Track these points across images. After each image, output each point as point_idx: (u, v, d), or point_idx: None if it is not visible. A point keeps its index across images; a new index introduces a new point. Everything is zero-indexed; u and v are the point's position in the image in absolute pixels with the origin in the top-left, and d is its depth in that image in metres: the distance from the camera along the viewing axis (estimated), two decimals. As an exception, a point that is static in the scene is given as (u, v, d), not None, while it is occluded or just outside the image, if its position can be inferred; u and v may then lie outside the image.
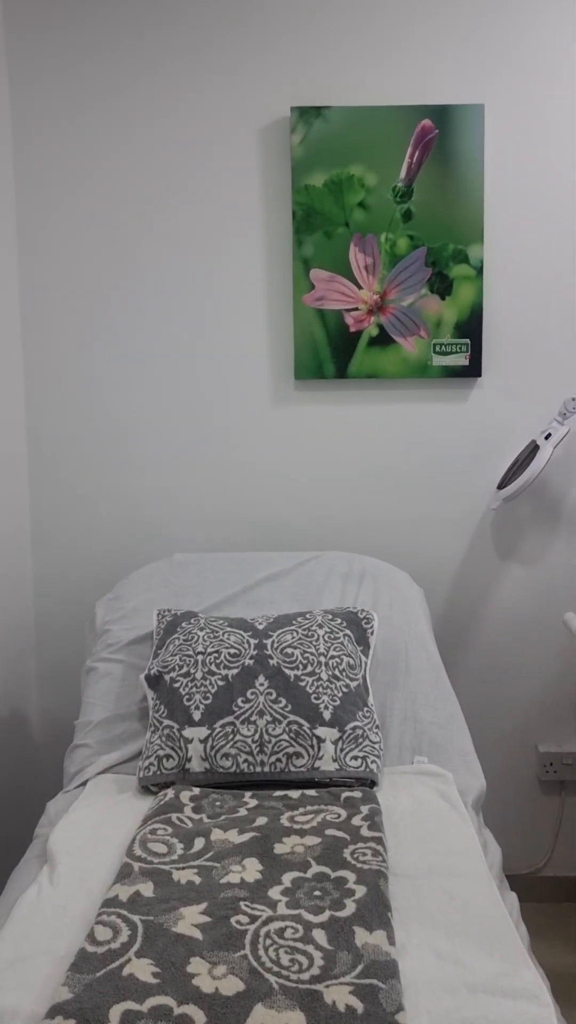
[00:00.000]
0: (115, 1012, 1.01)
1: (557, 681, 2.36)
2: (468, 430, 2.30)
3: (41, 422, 2.30)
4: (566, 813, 2.39)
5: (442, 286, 2.22)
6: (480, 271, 2.21)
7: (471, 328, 2.24)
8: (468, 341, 2.24)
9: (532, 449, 2.21)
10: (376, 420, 2.30)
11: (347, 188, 2.19)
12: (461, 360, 2.26)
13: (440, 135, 2.16)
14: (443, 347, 2.25)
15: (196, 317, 2.26)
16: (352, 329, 2.24)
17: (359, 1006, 1.02)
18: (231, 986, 1.06)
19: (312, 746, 1.64)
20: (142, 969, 1.09)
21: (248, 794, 1.59)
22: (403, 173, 2.18)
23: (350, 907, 1.22)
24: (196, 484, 2.31)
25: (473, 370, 2.25)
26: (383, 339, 2.24)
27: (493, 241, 2.22)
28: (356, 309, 2.23)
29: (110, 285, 2.25)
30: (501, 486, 2.25)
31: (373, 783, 1.65)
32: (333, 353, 2.25)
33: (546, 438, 2.19)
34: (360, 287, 2.22)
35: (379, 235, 2.20)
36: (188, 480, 2.31)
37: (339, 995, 1.04)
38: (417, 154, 2.18)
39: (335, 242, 2.20)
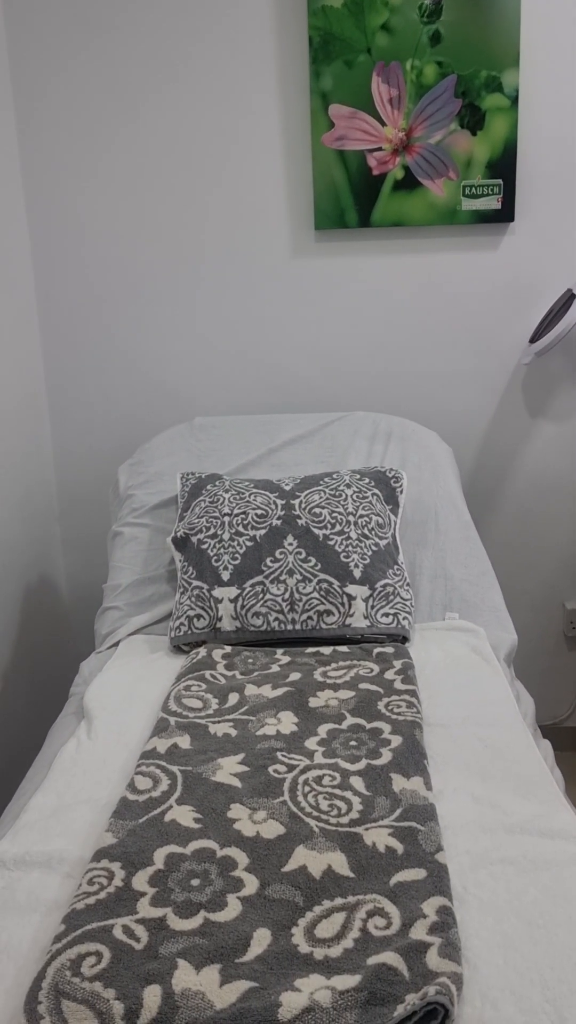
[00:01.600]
0: (159, 855, 1.03)
1: (586, 539, 2.33)
2: (499, 280, 2.17)
3: (50, 285, 2.19)
4: (592, 668, 2.41)
5: (473, 120, 2.05)
6: (515, 101, 2.03)
7: (504, 167, 2.08)
8: (500, 182, 2.09)
9: (568, 299, 2.09)
10: (402, 271, 2.17)
11: (369, 7, 1.98)
12: (493, 203, 2.11)
13: None
14: (473, 189, 2.10)
15: (207, 163, 2.11)
16: (375, 172, 2.09)
17: (399, 847, 1.04)
18: (272, 830, 1.07)
19: (343, 604, 1.63)
20: (183, 815, 1.10)
21: (280, 651, 1.59)
22: (431, -11, 1.97)
23: (386, 755, 1.23)
24: (213, 344, 2.23)
25: (506, 214, 2.11)
26: (409, 182, 2.09)
27: (530, 66, 2.03)
28: (380, 149, 2.07)
29: (114, 132, 2.09)
30: (533, 339, 2.15)
31: (405, 639, 1.64)
32: (355, 199, 2.11)
33: (583, 286, 2.07)
34: (384, 124, 2.06)
35: (404, 62, 2.01)
36: (205, 341, 2.22)
37: (379, 837, 1.05)
38: (447, -35, 1.96)
39: (356, 73, 2.02)
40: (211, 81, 2.06)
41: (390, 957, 0.86)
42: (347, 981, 0.83)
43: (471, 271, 2.17)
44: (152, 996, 0.83)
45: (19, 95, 2.07)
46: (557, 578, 2.36)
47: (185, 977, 0.85)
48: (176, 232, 2.16)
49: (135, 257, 2.17)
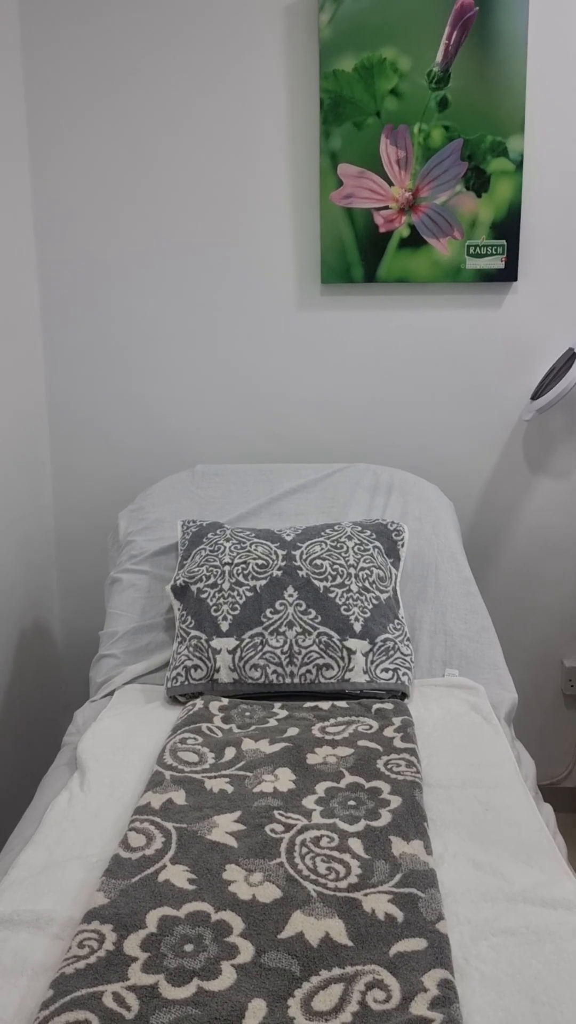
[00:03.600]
0: (152, 917, 1.00)
1: (586, 597, 2.32)
2: (502, 338, 2.20)
3: (57, 331, 2.21)
4: (590, 727, 2.38)
5: (478, 182, 2.09)
6: (520, 166, 2.08)
7: (508, 228, 2.12)
8: (504, 243, 2.13)
9: (569, 358, 2.11)
10: (406, 327, 2.20)
11: (379, 73, 2.04)
12: (496, 263, 2.14)
13: (480, 14, 2.00)
14: (478, 249, 2.13)
15: (216, 217, 2.15)
16: (382, 229, 2.13)
17: (399, 914, 1.01)
18: (268, 893, 1.04)
19: (343, 658, 1.61)
20: (178, 875, 1.08)
21: (278, 705, 1.57)
22: (439, 56, 2.03)
23: (386, 817, 1.20)
24: (218, 394, 2.24)
25: (509, 274, 2.14)
26: (414, 240, 2.13)
27: (535, 133, 2.08)
28: (386, 208, 2.11)
29: (126, 184, 2.13)
30: (535, 396, 2.16)
31: (404, 695, 1.62)
32: (362, 255, 2.14)
33: (584, 345, 2.09)
34: (391, 184, 2.10)
35: (412, 126, 2.06)
36: (209, 390, 2.24)
37: (378, 903, 1.03)
38: (455, 35, 2.02)
39: (365, 134, 2.07)
40: (224, 137, 2.10)
41: (390, 1033, 0.83)
42: (345, 1059, 0.80)
43: (474, 328, 2.19)
44: (142, 1070, 0.79)
45: (35, 147, 2.11)
46: (556, 635, 2.34)
47: (177, 1050, 0.82)
48: (184, 283, 2.18)
49: (143, 305, 2.19)
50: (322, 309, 2.19)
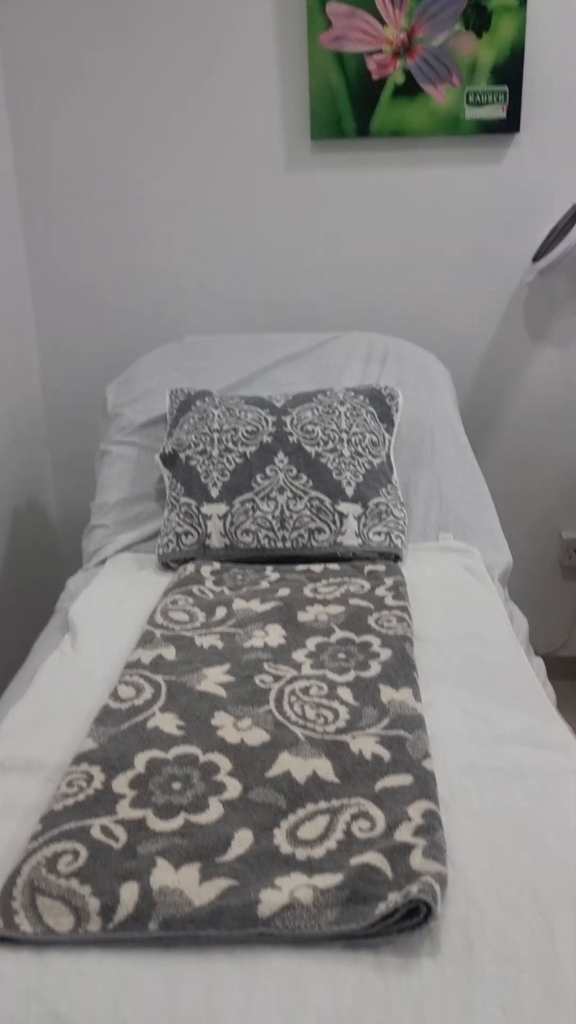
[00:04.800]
0: (140, 759, 1.01)
1: (585, 467, 2.28)
2: (503, 195, 2.08)
3: (36, 200, 2.10)
4: (587, 597, 2.39)
5: (479, 20, 1.94)
6: (524, 1, 1.92)
7: (510, 73, 1.97)
8: (506, 88, 1.99)
9: (574, 214, 2.01)
10: (401, 185, 2.09)
11: None
12: (497, 111, 2.01)
13: None
14: (478, 96, 2.00)
15: (197, 67, 2.00)
16: (375, 76, 1.99)
17: (385, 754, 1.01)
18: (256, 737, 1.05)
19: (334, 521, 1.59)
20: (166, 722, 1.08)
21: (269, 568, 1.56)
22: None
23: (375, 668, 1.20)
24: (205, 261, 2.15)
25: (511, 124, 2.01)
26: (410, 88, 1.99)
27: (540, -38, 1.92)
28: (379, 51, 1.97)
29: (102, 40, 1.98)
30: (537, 257, 2.07)
31: (397, 557, 1.61)
32: (354, 106, 2.01)
33: (589, 200, 1.99)
34: (384, 24, 1.95)
35: (408, -43, 1.90)
36: (196, 256, 2.14)
37: (365, 744, 1.03)
38: None
39: (357, -33, 1.91)
40: (203, -25, 1.95)
41: (373, 857, 0.84)
42: (328, 880, 0.82)
43: (474, 185, 2.08)
44: (129, 893, 0.81)
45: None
46: (555, 506, 2.32)
47: (163, 875, 0.83)
48: (167, 143, 2.06)
49: (123, 170, 2.08)
50: (313, 168, 2.08)
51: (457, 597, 1.46)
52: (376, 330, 2.16)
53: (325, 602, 1.41)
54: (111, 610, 1.45)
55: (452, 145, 2.05)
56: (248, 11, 1.96)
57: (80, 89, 2.02)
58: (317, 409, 1.71)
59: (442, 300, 2.16)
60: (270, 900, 0.79)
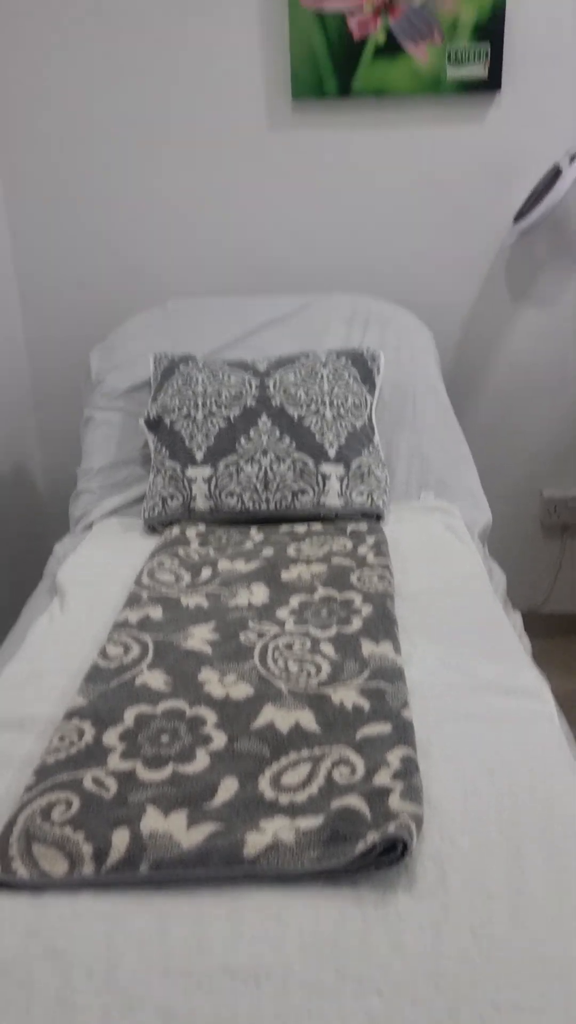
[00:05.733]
0: (129, 714, 1.04)
1: (566, 427, 2.31)
2: (484, 155, 2.08)
3: (15, 167, 2.09)
4: (567, 554, 2.43)
5: (459, -23, 1.93)
6: (504, -44, 1.91)
7: (492, 31, 1.96)
8: (488, 47, 1.98)
9: (554, 174, 2.01)
10: (383, 146, 2.08)
11: None
12: (479, 71, 2.00)
13: None
14: (459, 55, 1.99)
15: (175, 27, 1.98)
16: (356, 36, 1.97)
17: (366, 704, 1.05)
18: (241, 691, 1.09)
19: (317, 483, 1.62)
20: (154, 679, 1.12)
21: (254, 529, 1.59)
22: None
23: (357, 623, 1.24)
24: (186, 224, 2.14)
25: (492, 83, 2.01)
26: (391, 48, 1.98)
27: None
28: (360, 10, 1.95)
29: (78, -14, 1.96)
30: (518, 218, 2.08)
31: (379, 517, 1.64)
32: (335, 66, 2.00)
33: (572, 161, 1.98)
34: (365, -19, 1.93)
35: None
36: (177, 220, 2.14)
37: (346, 695, 1.07)
38: None
39: None
40: None
41: (353, 800, 0.88)
42: (310, 822, 0.86)
43: (455, 145, 2.08)
44: (120, 838, 0.85)
45: (-27, -54, 1.93)
46: (535, 465, 2.35)
47: (153, 821, 0.87)
48: (146, 105, 2.05)
49: (101, 133, 2.07)
50: (294, 128, 2.07)
51: (437, 554, 1.50)
52: (359, 292, 2.17)
53: (308, 561, 1.44)
54: (98, 573, 1.48)
55: (434, 104, 2.05)
56: (226, -32, 1.94)
57: (57, 51, 2.00)
58: (300, 372, 1.73)
59: (424, 261, 2.17)
60: (254, 841, 0.83)
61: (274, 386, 1.70)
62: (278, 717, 1.03)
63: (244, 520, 1.65)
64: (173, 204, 2.13)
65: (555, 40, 1.99)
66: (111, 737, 1.00)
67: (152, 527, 1.65)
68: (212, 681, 1.11)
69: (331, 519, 1.64)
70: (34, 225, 2.15)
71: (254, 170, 2.10)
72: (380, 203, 2.13)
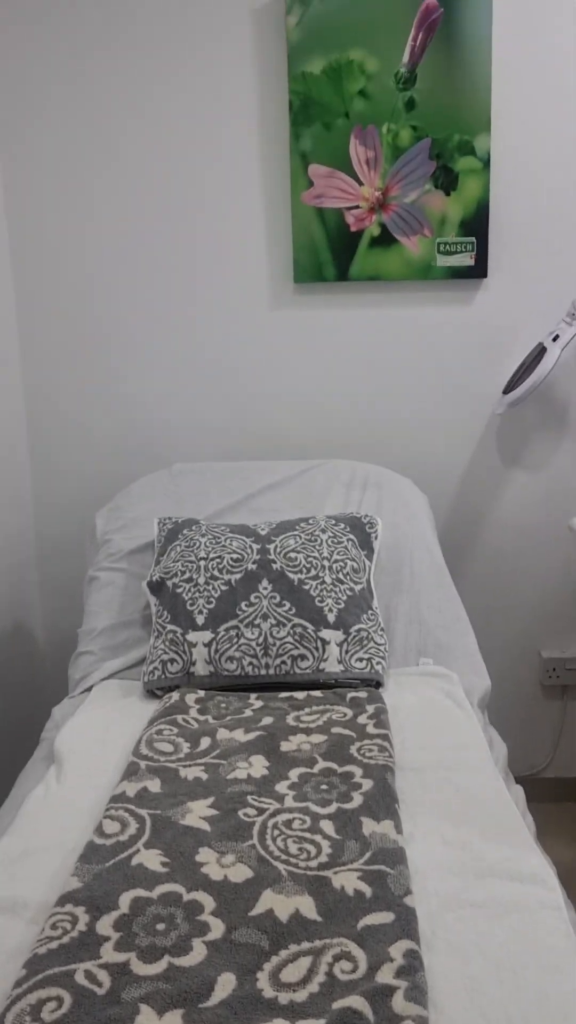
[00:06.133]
0: (124, 899, 1.02)
1: (561, 587, 2.35)
2: (473, 333, 2.23)
3: (33, 328, 2.23)
4: (568, 717, 2.41)
5: (447, 180, 2.13)
6: (487, 164, 2.11)
7: (477, 226, 2.15)
8: (474, 240, 2.16)
9: (539, 351, 2.15)
10: (378, 324, 2.23)
11: (347, 75, 2.07)
12: (466, 260, 2.17)
13: (445, 15, 2.04)
14: (448, 246, 2.16)
15: (189, 219, 2.17)
16: (353, 228, 2.15)
17: (367, 890, 1.03)
18: (240, 873, 1.06)
19: (317, 648, 1.64)
20: (151, 859, 1.09)
21: (253, 696, 1.59)
22: (406, 57, 2.06)
23: (357, 799, 1.22)
24: (194, 393, 2.26)
25: (479, 270, 2.17)
26: (385, 239, 2.16)
27: (501, 131, 2.11)
28: (357, 207, 2.14)
29: (98, 187, 2.15)
30: (507, 390, 2.19)
31: (378, 684, 1.64)
32: (333, 254, 2.17)
33: (554, 340, 2.12)
34: (361, 183, 2.13)
35: (381, 126, 2.09)
36: (185, 389, 2.26)
37: (347, 880, 1.05)
38: (420, 36, 2.05)
39: (334, 135, 2.10)
40: (196, 139, 2.13)
41: (356, 1001, 0.85)
42: (311, 1025, 0.82)
43: (446, 324, 2.22)
44: (112, 1042, 0.81)
45: (4, 147, 2.13)
46: (533, 626, 2.37)
47: (147, 1022, 0.83)
48: (160, 282, 2.20)
49: (119, 303, 2.22)
50: (295, 308, 2.22)
51: (437, 724, 1.49)
52: (357, 458, 2.26)
53: (308, 731, 1.43)
54: (96, 739, 1.47)
55: (425, 288, 2.21)
56: (238, 170, 2.14)
57: (79, 231, 2.17)
58: (300, 537, 1.78)
59: (419, 429, 2.27)
60: (253, 1048, 0.80)
61: (275, 550, 1.74)
62: (277, 903, 1.01)
63: (243, 686, 1.65)
64: (181, 373, 2.25)
65: (534, 234, 2.17)
66: (105, 925, 0.97)
67: (151, 691, 1.65)
68: (210, 862, 1.09)
69: (330, 685, 1.64)
70: (49, 388, 2.26)
71: (258, 344, 2.23)
72: (377, 375, 2.25)
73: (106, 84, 2.10)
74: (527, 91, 2.10)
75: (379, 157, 2.11)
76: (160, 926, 0.97)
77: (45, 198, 2.16)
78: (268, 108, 2.11)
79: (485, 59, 2.05)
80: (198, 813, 1.19)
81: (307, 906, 1.00)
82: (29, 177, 2.15)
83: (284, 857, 1.09)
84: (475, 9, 2.03)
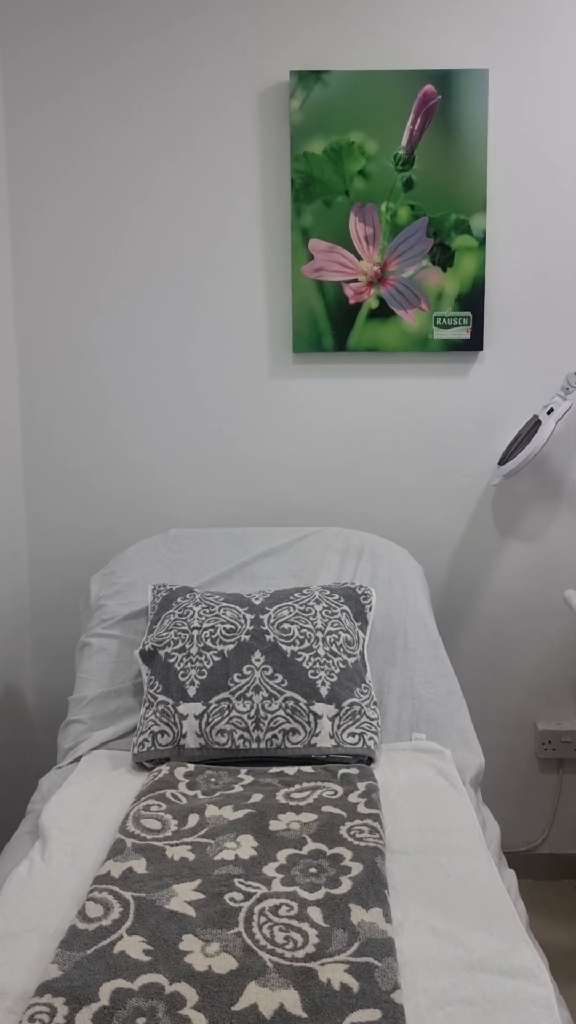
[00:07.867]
0: (105, 990, 0.99)
1: (557, 659, 2.34)
2: (469, 405, 2.26)
3: (35, 396, 2.26)
4: (564, 791, 2.37)
5: (444, 257, 2.18)
6: (483, 242, 2.16)
7: (473, 301, 2.19)
8: (470, 314, 2.20)
9: (534, 424, 2.17)
10: (376, 394, 2.26)
11: (347, 155, 2.14)
12: (462, 333, 2.21)
13: (443, 101, 2.11)
14: (444, 320, 2.21)
15: (192, 288, 2.22)
16: (352, 301, 2.20)
17: (354, 984, 1.00)
18: (224, 964, 1.04)
19: (309, 722, 1.62)
20: (134, 946, 1.07)
21: (243, 770, 1.57)
22: (404, 140, 2.13)
23: (346, 884, 1.20)
24: (193, 459, 2.28)
25: (475, 344, 2.21)
26: (383, 312, 2.20)
27: (496, 211, 2.17)
28: (356, 281, 2.19)
29: (104, 256, 2.20)
30: (502, 462, 2.21)
31: (370, 760, 1.63)
32: (332, 326, 2.21)
33: (548, 413, 2.15)
34: (360, 258, 2.18)
35: (380, 204, 2.15)
36: (184, 455, 2.28)
37: (334, 973, 1.02)
38: (419, 121, 2.12)
39: (334, 211, 2.16)
40: (200, 215, 2.18)
41: None
42: None
43: (443, 396, 2.25)
44: None
45: (15, 224, 2.19)
46: (528, 698, 2.35)
47: None
48: (161, 350, 2.24)
49: (120, 371, 2.25)
50: (294, 377, 2.25)
51: (429, 804, 1.47)
52: (353, 526, 2.26)
53: (298, 809, 1.41)
54: (83, 814, 1.44)
55: (422, 360, 2.24)
56: (240, 244, 2.19)
57: (85, 297, 2.22)
58: (294, 607, 1.78)
59: (415, 498, 2.29)
60: None
61: (268, 621, 1.74)
62: (262, 998, 0.98)
63: (234, 760, 1.63)
64: (180, 438, 2.27)
65: (528, 309, 2.21)
66: (84, 1018, 0.95)
67: (141, 763, 1.62)
68: (195, 951, 1.06)
69: (322, 760, 1.62)
70: (46, 452, 2.28)
71: (257, 412, 2.26)
72: (373, 444, 2.27)
73: (117, 159, 2.16)
74: (521, 174, 2.17)
75: (378, 234, 2.16)
76: (140, 1020, 0.95)
77: (53, 266, 2.21)
78: (271, 185, 2.17)
79: (481, 143, 2.12)
80: (183, 897, 1.17)
81: (292, 1001, 0.98)
82: (39, 248, 2.20)
83: (270, 947, 1.07)
84: (472, 96, 2.10)
